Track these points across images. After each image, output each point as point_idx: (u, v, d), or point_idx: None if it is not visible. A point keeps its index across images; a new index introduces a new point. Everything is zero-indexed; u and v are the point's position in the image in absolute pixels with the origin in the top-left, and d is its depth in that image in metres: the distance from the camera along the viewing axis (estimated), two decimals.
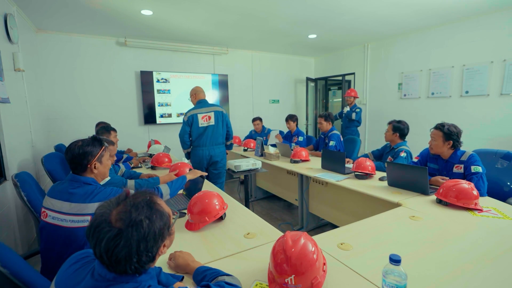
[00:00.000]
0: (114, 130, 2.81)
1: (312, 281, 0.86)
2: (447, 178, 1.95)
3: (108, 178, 1.59)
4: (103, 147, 1.40)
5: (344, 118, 4.80)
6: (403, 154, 2.56)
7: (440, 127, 2.04)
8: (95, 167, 1.35)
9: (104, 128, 2.76)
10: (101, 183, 1.44)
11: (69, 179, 1.32)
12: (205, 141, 2.92)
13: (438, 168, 2.13)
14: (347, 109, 4.74)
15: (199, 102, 3.00)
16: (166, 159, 2.89)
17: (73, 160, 1.30)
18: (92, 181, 1.33)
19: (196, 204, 1.45)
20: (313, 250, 0.88)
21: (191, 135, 2.95)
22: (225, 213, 1.53)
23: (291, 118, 4.28)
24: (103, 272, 0.66)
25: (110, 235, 0.63)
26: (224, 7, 3.30)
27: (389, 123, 2.79)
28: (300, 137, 4.17)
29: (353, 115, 4.57)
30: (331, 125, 3.57)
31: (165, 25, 3.93)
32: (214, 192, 1.54)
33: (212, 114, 2.93)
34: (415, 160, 2.33)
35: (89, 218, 1.23)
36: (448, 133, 1.99)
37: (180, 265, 1.05)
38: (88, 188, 1.29)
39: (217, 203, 1.47)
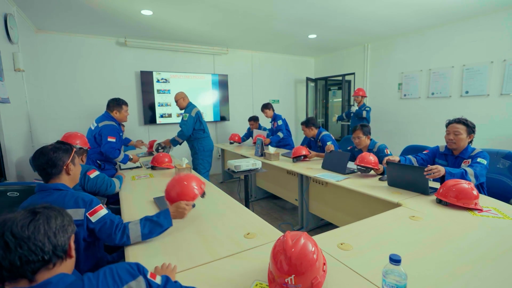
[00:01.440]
0: (126, 103, 2.85)
1: (312, 281, 0.86)
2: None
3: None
4: (74, 149, 1.39)
5: (353, 117, 4.75)
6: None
7: (464, 121, 2.05)
8: (70, 170, 1.32)
9: (115, 101, 2.77)
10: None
11: (37, 190, 1.25)
12: (208, 132, 3.73)
13: (447, 164, 2.13)
14: (355, 108, 4.69)
15: (190, 103, 3.66)
16: (167, 159, 2.88)
17: (48, 163, 1.25)
18: (63, 186, 1.28)
19: (174, 188, 1.50)
20: (313, 250, 0.88)
21: (204, 127, 3.66)
22: (204, 192, 1.59)
23: (265, 107, 4.52)
24: None
25: None
26: (224, 7, 3.30)
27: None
28: (279, 120, 4.28)
29: (364, 113, 4.50)
30: (316, 129, 3.47)
31: (165, 25, 3.93)
32: (189, 174, 1.61)
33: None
34: (425, 152, 2.29)
35: None
36: (472, 127, 2.03)
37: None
38: (60, 193, 1.24)
39: (195, 186, 1.52)
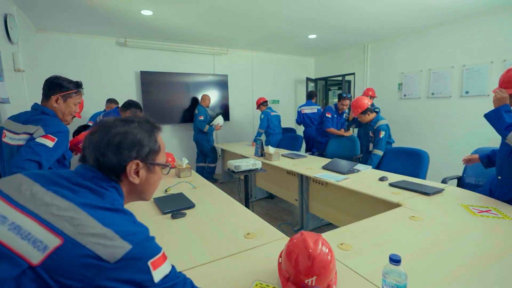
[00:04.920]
0: (140, 109, 2.66)
1: (329, 283, 0.88)
2: None
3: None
4: (75, 90, 1.47)
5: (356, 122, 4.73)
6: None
7: None
8: (57, 101, 1.42)
9: (133, 105, 2.57)
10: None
11: (32, 107, 1.42)
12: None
13: None
14: None
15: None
16: (170, 158, 2.89)
17: (45, 84, 1.43)
18: (51, 113, 1.40)
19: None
20: (331, 253, 0.90)
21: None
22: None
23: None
24: (81, 171, 0.70)
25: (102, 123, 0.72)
26: (224, 7, 3.30)
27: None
28: (261, 115, 4.76)
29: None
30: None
31: (165, 25, 3.93)
32: None
33: None
34: None
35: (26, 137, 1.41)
36: None
37: None
38: (44, 117, 1.42)
39: None
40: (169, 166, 0.82)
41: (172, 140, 5.23)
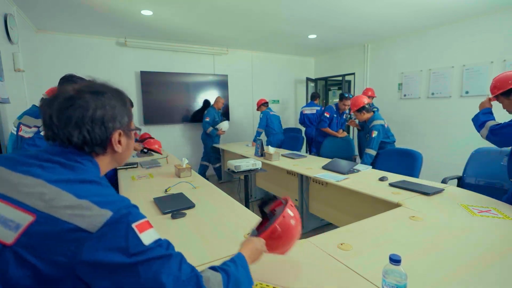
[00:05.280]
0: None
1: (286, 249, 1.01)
2: None
3: None
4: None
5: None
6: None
7: None
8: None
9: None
10: None
11: None
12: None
13: None
14: None
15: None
16: (157, 146, 3.07)
17: (60, 82, 1.67)
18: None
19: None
20: (297, 220, 1.01)
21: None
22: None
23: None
24: (50, 149, 0.66)
25: (66, 95, 0.65)
26: (224, 7, 3.30)
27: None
28: (260, 114, 4.76)
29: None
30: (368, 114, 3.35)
31: (165, 25, 3.93)
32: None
33: None
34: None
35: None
36: None
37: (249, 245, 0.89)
38: None
39: None
40: (140, 129, 0.86)
41: (172, 139, 5.22)
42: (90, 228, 0.53)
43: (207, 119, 4.78)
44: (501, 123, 1.83)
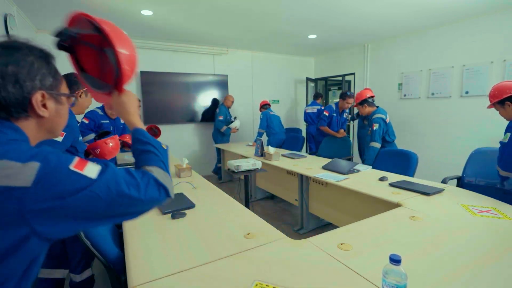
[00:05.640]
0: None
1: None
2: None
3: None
4: None
5: (360, 117, 4.76)
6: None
7: None
8: (80, 96, 1.57)
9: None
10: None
11: None
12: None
13: None
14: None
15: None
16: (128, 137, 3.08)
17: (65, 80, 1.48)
18: None
19: None
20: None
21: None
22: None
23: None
24: None
25: None
26: (224, 7, 3.30)
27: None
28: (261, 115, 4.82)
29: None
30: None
31: (165, 25, 3.93)
32: None
33: None
34: None
35: None
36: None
37: (117, 109, 0.90)
38: None
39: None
40: (75, 97, 0.79)
41: (172, 140, 5.22)
42: (24, 183, 0.52)
43: (221, 118, 4.86)
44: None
